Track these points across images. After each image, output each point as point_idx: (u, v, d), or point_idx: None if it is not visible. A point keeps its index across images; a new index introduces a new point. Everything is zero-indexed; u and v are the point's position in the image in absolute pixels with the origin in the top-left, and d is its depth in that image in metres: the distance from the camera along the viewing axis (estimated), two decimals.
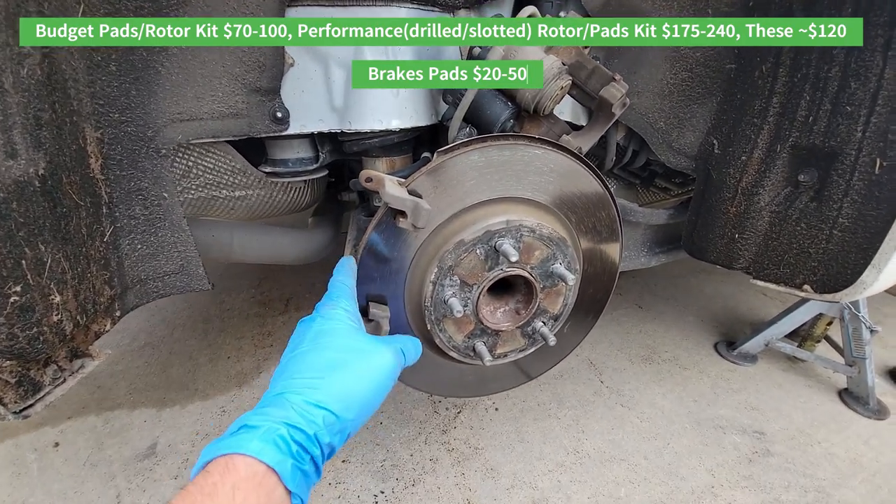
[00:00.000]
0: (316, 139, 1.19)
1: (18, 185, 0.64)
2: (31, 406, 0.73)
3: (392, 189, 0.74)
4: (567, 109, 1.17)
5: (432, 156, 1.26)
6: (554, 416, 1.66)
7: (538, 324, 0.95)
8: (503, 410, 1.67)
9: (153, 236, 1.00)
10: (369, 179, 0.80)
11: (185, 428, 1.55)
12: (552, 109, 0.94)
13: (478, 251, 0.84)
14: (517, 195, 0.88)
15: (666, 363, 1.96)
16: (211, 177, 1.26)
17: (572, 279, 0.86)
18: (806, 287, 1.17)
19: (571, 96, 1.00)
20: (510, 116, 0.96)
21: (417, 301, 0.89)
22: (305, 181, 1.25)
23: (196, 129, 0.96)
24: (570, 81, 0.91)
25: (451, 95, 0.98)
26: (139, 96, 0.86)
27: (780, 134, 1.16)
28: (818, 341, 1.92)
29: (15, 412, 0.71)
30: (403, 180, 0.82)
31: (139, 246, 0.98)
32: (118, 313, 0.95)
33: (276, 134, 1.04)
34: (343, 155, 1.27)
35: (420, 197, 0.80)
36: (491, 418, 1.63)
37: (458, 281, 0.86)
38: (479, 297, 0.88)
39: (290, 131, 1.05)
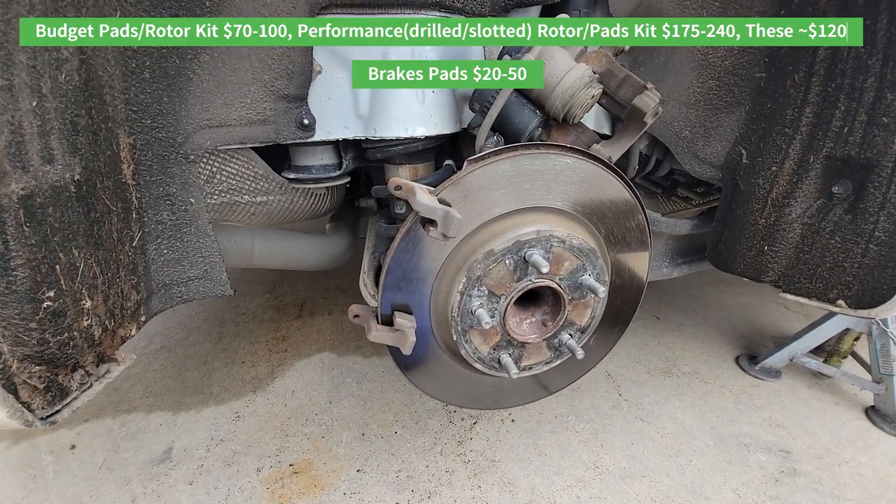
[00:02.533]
0: (340, 146, 1.19)
1: (55, 191, 0.64)
2: (58, 412, 0.73)
3: (423, 198, 0.73)
4: (590, 118, 1.16)
5: (455, 164, 1.26)
6: (572, 428, 1.62)
7: (565, 336, 0.93)
8: (520, 422, 1.64)
9: (179, 241, 1.00)
10: (399, 187, 0.79)
11: (201, 433, 1.55)
12: (581, 118, 0.93)
13: (507, 261, 0.83)
14: (547, 205, 0.86)
15: (686, 376, 1.92)
16: (234, 182, 1.27)
17: (603, 291, 0.84)
18: (840, 302, 1.14)
19: (600, 105, 0.98)
20: (539, 125, 0.95)
21: (443, 311, 0.88)
22: (328, 188, 1.25)
23: (224, 136, 0.96)
24: (601, 90, 0.90)
25: (479, 104, 0.97)
26: (171, 103, 0.87)
27: (812, 144, 1.13)
28: (844, 357, 1.86)
29: (42, 418, 0.71)
30: (433, 188, 0.81)
31: (165, 251, 0.98)
32: (143, 318, 0.95)
33: (302, 141, 1.04)
34: (365, 161, 1.26)
35: (449, 206, 0.79)
36: (507, 430, 1.60)
37: (486, 291, 0.84)
38: (506, 308, 0.86)
39: (316, 138, 1.06)
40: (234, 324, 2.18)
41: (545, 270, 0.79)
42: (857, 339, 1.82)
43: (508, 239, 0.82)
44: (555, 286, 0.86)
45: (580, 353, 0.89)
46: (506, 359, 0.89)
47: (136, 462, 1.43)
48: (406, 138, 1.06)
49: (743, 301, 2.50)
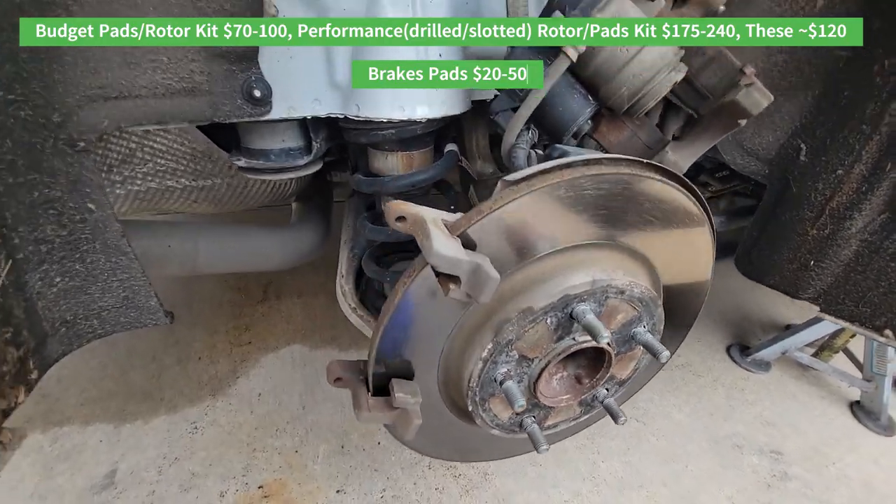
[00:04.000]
0: (308, 123, 0.88)
1: None
2: None
3: (441, 246, 0.49)
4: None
5: (459, 149, 0.98)
6: None
7: (601, 391, 0.75)
8: None
9: (79, 263, 0.71)
10: (401, 218, 0.54)
11: (150, 450, 1.33)
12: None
13: (548, 321, 0.61)
14: (604, 240, 0.63)
15: (679, 369, 1.85)
16: (163, 162, 0.95)
17: (666, 356, 0.64)
18: (888, 332, 1.02)
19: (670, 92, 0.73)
20: (590, 116, 0.69)
21: (456, 375, 0.66)
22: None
23: (130, 112, 0.65)
24: (685, 73, 0.64)
25: None
26: (34, 61, 0.54)
27: (893, 149, 0.93)
28: (836, 352, 1.84)
29: None
30: (451, 219, 0.56)
31: (58, 279, 0.70)
32: (34, 374, 0.68)
33: (254, 119, 0.74)
34: (343, 140, 0.96)
35: (475, 247, 0.55)
36: None
37: (517, 356, 0.63)
38: (539, 374, 0.66)
39: (273, 116, 0.76)
40: (187, 309, 1.89)
41: (605, 341, 0.58)
42: (853, 335, 1.78)
43: (553, 293, 0.59)
44: (605, 346, 0.65)
45: (622, 420, 0.72)
46: (532, 427, 0.71)
47: (74, 489, 1.21)
48: (402, 121, 0.78)
49: (730, 284, 2.43)
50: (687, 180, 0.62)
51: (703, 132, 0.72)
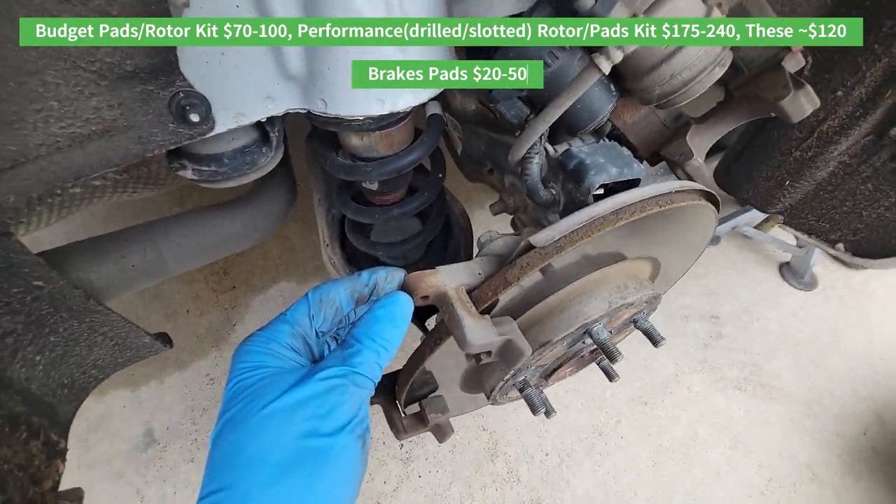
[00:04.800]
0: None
1: None
2: None
3: (474, 335, 0.47)
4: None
5: (439, 108, 0.85)
6: None
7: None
8: None
9: (52, 335, 0.65)
10: (425, 298, 0.50)
11: (175, 406, 1.42)
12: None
13: (565, 342, 0.64)
14: (620, 253, 0.63)
15: None
16: None
17: (662, 343, 0.71)
18: (839, 246, 1.13)
19: None
20: (612, 110, 0.60)
21: (475, 384, 0.72)
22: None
23: (36, 178, 0.52)
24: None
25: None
26: None
27: None
28: (778, 223, 2.05)
29: None
30: (470, 279, 0.53)
31: (38, 357, 0.64)
32: (62, 443, 0.68)
33: (197, 139, 0.59)
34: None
35: (496, 304, 0.53)
36: None
37: (533, 367, 0.68)
38: (552, 372, 0.72)
39: (220, 129, 0.60)
40: None
41: (620, 361, 0.62)
42: None
43: (571, 324, 0.61)
44: (609, 346, 0.70)
45: (617, 378, 0.83)
46: (540, 395, 0.80)
47: (118, 453, 1.33)
48: (382, 115, 0.65)
49: None
50: (713, 193, 0.58)
51: (728, 114, 0.64)
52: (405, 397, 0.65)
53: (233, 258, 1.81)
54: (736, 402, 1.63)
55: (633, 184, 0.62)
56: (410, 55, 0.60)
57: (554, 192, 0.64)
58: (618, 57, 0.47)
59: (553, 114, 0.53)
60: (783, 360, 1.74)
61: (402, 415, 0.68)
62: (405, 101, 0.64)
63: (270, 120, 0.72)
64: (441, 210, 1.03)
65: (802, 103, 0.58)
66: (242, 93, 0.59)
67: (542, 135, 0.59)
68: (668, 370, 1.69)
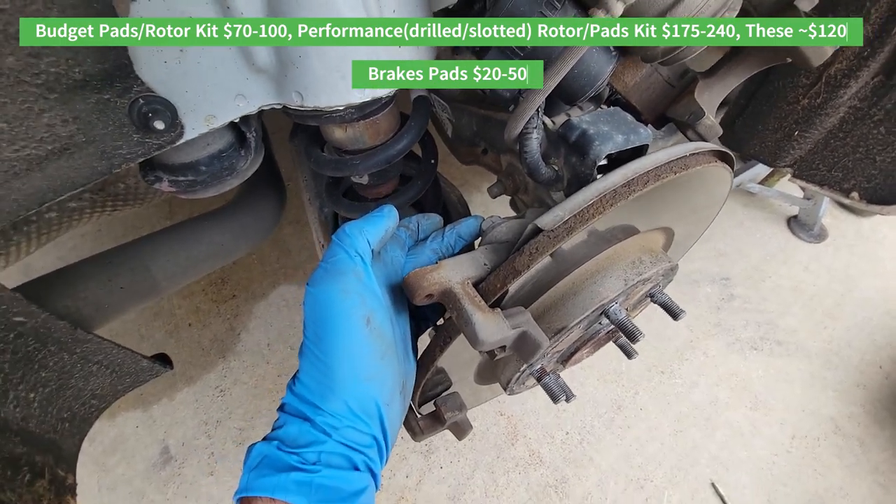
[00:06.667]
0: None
1: None
2: None
3: (485, 332, 0.43)
4: None
5: (428, 94, 0.81)
6: None
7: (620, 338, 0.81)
8: None
9: (43, 371, 0.62)
10: (430, 296, 0.46)
11: (189, 420, 1.41)
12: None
13: (581, 325, 0.61)
14: (634, 226, 0.59)
15: None
16: None
17: (682, 315, 0.68)
18: (854, 194, 1.09)
19: None
20: (612, 72, 0.55)
21: (491, 375, 0.69)
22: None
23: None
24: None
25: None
26: None
27: None
28: (784, 175, 1.99)
29: None
30: (476, 272, 0.49)
31: (32, 394, 0.61)
32: (70, 479, 0.65)
33: (167, 148, 0.54)
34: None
35: (506, 294, 0.50)
36: None
37: (550, 352, 0.65)
38: (570, 356, 0.69)
39: (190, 135, 0.56)
40: None
41: (640, 338, 0.59)
42: None
43: (587, 306, 0.57)
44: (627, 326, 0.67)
45: (636, 356, 0.80)
46: (559, 381, 0.77)
47: (137, 473, 1.32)
48: (362, 103, 0.60)
49: None
50: (728, 152, 0.54)
51: (738, 64, 0.59)
52: (419, 398, 0.62)
53: (229, 266, 1.78)
54: (754, 363, 1.61)
55: (640, 151, 0.57)
56: (382, 55, 0.56)
57: (556, 169, 0.59)
58: (618, 9, 0.42)
59: (551, 82, 0.48)
60: (798, 315, 1.71)
61: (418, 415, 0.65)
62: (387, 88, 0.59)
63: (245, 120, 0.67)
64: (437, 198, 0.98)
65: (821, 51, 0.53)
66: (210, 93, 0.54)
67: (538, 107, 0.55)
68: (682, 337, 1.67)
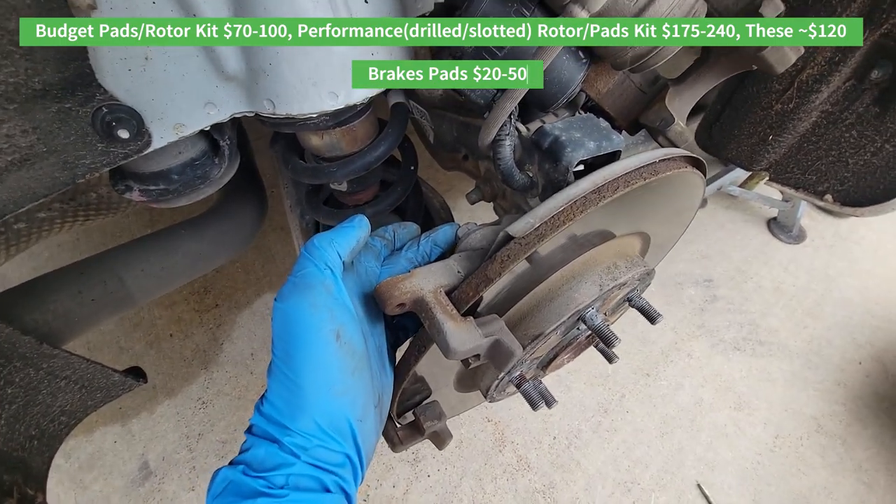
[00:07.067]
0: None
1: None
2: None
3: (457, 342, 0.43)
4: None
5: (407, 101, 0.80)
6: None
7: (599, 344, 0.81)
8: None
9: (9, 387, 0.61)
10: (401, 304, 0.46)
11: (170, 434, 1.37)
12: None
13: (558, 331, 0.60)
14: (610, 231, 0.59)
15: None
16: None
17: (660, 319, 0.68)
18: (827, 197, 1.11)
19: None
20: (583, 80, 0.55)
21: (471, 383, 0.68)
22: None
23: None
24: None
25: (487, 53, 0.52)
26: None
27: (874, 15, 0.86)
28: (763, 179, 2.03)
29: None
30: (449, 279, 0.48)
31: None
32: (39, 497, 0.63)
33: (134, 158, 0.53)
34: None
35: (480, 303, 0.50)
36: None
37: (528, 360, 0.65)
38: (549, 361, 0.69)
39: (158, 144, 0.55)
40: None
41: (618, 343, 0.59)
42: None
43: (563, 312, 0.57)
44: (604, 330, 0.67)
45: (616, 360, 0.80)
46: (533, 392, 0.77)
47: (115, 489, 1.28)
48: (336, 111, 0.60)
49: None
50: (698, 157, 0.55)
51: (707, 71, 0.60)
52: (397, 408, 0.61)
53: (212, 275, 1.75)
54: (736, 363, 1.63)
55: (614, 157, 0.58)
56: (358, 56, 0.56)
57: (531, 175, 0.60)
58: (583, 13, 0.42)
59: (512, 99, 0.48)
60: (779, 316, 1.74)
61: (397, 426, 0.64)
62: (360, 92, 0.59)
63: (218, 128, 0.66)
64: (418, 204, 0.98)
65: (786, 52, 0.54)
66: (178, 101, 0.53)
67: (511, 113, 0.55)
68: (667, 339, 1.68)
